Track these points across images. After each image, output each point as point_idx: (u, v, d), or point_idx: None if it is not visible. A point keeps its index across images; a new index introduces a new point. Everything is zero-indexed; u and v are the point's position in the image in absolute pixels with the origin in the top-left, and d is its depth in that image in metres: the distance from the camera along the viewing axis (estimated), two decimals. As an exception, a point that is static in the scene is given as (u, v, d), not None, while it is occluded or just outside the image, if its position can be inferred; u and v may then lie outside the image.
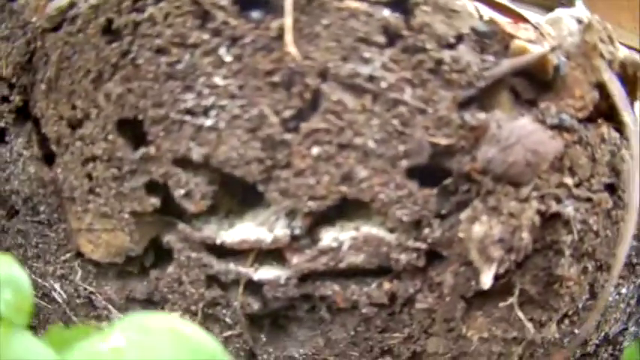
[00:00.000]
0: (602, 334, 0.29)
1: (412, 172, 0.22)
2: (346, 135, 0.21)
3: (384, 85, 0.21)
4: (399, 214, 0.23)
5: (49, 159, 0.26)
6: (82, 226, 0.26)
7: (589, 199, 0.23)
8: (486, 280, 0.22)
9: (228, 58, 0.21)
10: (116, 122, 0.23)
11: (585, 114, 0.22)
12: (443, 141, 0.21)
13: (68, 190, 0.25)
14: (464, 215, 0.22)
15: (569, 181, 0.22)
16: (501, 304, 0.24)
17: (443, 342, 0.25)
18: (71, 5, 0.23)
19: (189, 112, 0.22)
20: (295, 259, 0.24)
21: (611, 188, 0.24)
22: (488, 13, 0.22)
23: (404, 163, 0.22)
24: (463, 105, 0.21)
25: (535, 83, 0.22)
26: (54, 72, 0.23)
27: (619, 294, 0.29)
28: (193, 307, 0.27)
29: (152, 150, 0.23)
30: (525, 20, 0.22)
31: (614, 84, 0.23)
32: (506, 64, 0.21)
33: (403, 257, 0.24)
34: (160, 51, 0.22)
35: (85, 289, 0.27)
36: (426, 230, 0.23)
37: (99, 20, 0.22)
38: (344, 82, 0.21)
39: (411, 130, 0.21)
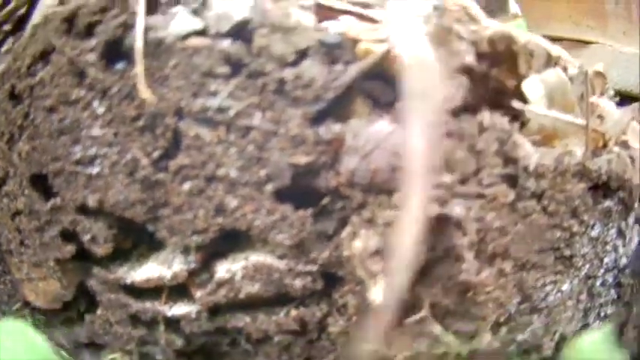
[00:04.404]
0: (557, 335, 0.28)
1: (286, 196, 0.24)
2: (210, 167, 0.24)
3: (233, 113, 0.23)
4: (279, 239, 0.24)
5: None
6: (22, 276, 0.31)
7: (481, 195, 0.23)
8: (375, 296, 0.23)
9: (101, 110, 0.25)
10: (29, 178, 0.28)
11: (456, 104, 0.22)
12: (302, 159, 0.23)
13: (5, 244, 0.30)
14: (345, 233, 0.23)
15: (447, 179, 0.22)
16: (411, 319, 0.24)
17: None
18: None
19: (79, 162, 0.26)
20: (199, 293, 0.27)
21: (511, 179, 0.23)
22: (333, 22, 0.23)
23: (269, 188, 0.24)
24: (317, 120, 0.23)
25: (394, 84, 0.22)
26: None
27: (560, 291, 0.28)
28: (128, 347, 0.30)
29: (59, 201, 0.27)
30: (374, 20, 0.23)
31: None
32: (352, 71, 0.22)
33: (297, 282, 0.25)
34: (51, 110, 0.26)
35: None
36: (314, 253, 0.24)
37: (5, 86, 0.28)
38: (198, 117, 0.23)
39: (268, 153, 0.23)
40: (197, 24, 0.23)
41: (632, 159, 0.32)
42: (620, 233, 0.32)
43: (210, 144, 0.24)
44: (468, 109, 0.23)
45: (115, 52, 0.25)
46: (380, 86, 0.23)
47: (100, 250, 0.28)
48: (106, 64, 0.25)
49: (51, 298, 0.31)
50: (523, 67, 0.25)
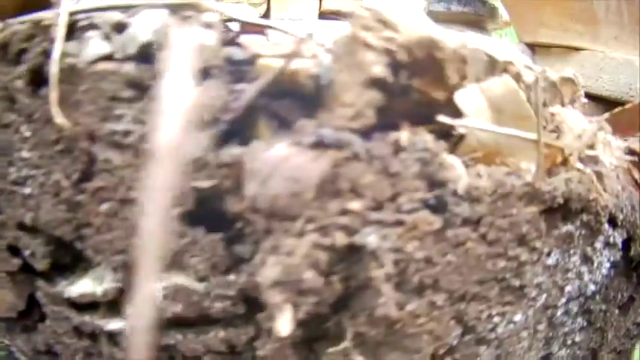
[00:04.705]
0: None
1: (198, 220, 0.24)
2: (121, 190, 0.24)
3: (138, 137, 0.23)
4: (193, 262, 0.25)
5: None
6: (-17, 287, 0.33)
7: (399, 223, 0.21)
8: (281, 327, 0.22)
9: (28, 134, 0.26)
10: (-21, 196, 0.30)
11: (366, 122, 0.21)
12: (204, 184, 0.23)
13: (-32, 256, 0.32)
14: (256, 259, 0.23)
15: (355, 206, 0.21)
16: (334, 349, 0.24)
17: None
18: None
19: (14, 182, 0.28)
20: (129, 310, 0.27)
21: (438, 204, 0.22)
22: (244, 37, 0.22)
23: (176, 211, 0.23)
24: (221, 142, 0.22)
25: (302, 102, 0.22)
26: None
27: (512, 322, 0.26)
28: (77, 357, 0.31)
29: (3, 217, 0.29)
30: (284, 33, 0.22)
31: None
32: (250, 90, 0.21)
33: (217, 305, 0.25)
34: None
35: (2, 342, 0.34)
36: (231, 276, 0.24)
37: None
38: (107, 141, 0.24)
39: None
40: (105, 48, 0.23)
41: (601, 176, 0.29)
42: (586, 259, 0.30)
43: (120, 167, 0.24)
44: (382, 126, 0.22)
45: (40, 78, 0.26)
46: (287, 105, 0.22)
47: (39, 265, 0.29)
48: (32, 90, 0.26)
49: (6, 307, 0.33)
50: (453, 76, 0.23)
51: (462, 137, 0.23)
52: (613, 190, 0.29)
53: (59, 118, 0.24)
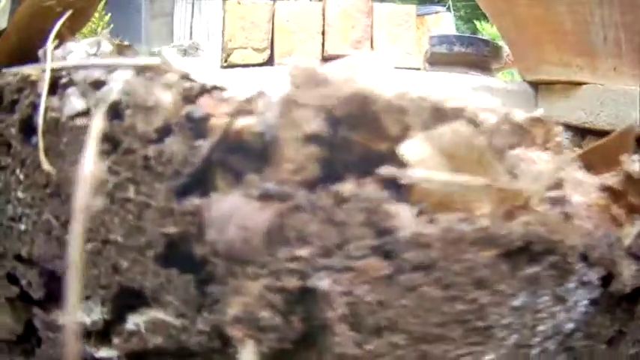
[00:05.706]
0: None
1: (172, 261, 0.27)
2: (102, 232, 0.28)
3: (112, 186, 0.26)
4: (169, 299, 0.28)
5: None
6: (-13, 310, 0.37)
7: (349, 268, 0.24)
8: (245, 359, 0.25)
9: (22, 177, 0.30)
10: (-18, 230, 0.34)
11: (308, 174, 0.23)
12: (171, 230, 0.26)
13: (-25, 282, 0.36)
14: (223, 298, 0.26)
15: (304, 252, 0.23)
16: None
17: None
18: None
19: (11, 219, 0.32)
20: (116, 341, 0.31)
21: (386, 251, 0.24)
22: (202, 97, 0.25)
23: (150, 253, 0.27)
24: (184, 193, 0.25)
25: (252, 156, 0.24)
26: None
27: None
28: (73, 379, 0.35)
29: (2, 249, 0.33)
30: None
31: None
32: (205, 146, 0.24)
33: (193, 339, 0.28)
34: (-8, 173, 0.32)
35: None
36: (204, 314, 0.27)
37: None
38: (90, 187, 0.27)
39: (144, 222, 0.26)
40: (82, 105, 0.27)
41: (569, 217, 0.30)
42: (558, 299, 0.30)
43: (101, 212, 0.27)
44: (328, 178, 0.24)
45: (30, 127, 0.29)
46: (242, 160, 0.25)
47: (35, 294, 0.33)
48: (23, 138, 0.30)
49: (6, 331, 0.37)
50: (393, 128, 0.25)
51: (411, 187, 0.25)
52: (583, 229, 0.30)
53: (46, 166, 0.28)
